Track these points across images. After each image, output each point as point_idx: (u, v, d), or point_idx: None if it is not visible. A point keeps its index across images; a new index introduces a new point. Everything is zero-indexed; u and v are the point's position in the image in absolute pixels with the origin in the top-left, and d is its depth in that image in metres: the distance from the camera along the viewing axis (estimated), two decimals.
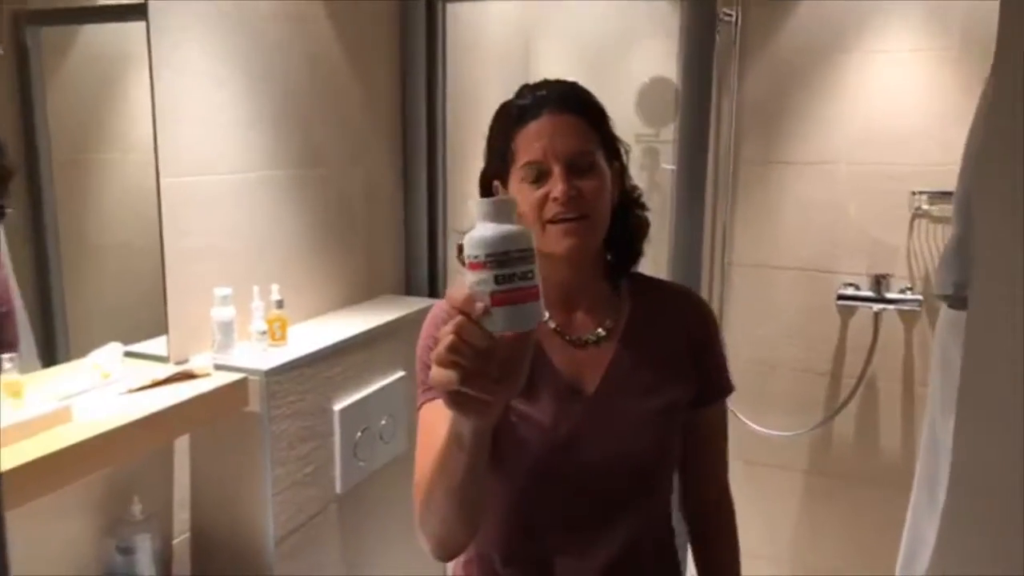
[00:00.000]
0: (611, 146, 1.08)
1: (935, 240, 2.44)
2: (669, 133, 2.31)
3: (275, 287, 1.65)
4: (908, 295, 2.47)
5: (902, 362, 2.53)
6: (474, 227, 0.76)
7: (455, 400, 0.76)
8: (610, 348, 1.10)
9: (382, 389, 1.87)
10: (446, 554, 1.01)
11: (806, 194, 2.56)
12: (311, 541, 1.69)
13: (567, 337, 1.10)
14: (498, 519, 1.08)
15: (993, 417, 1.11)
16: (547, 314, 1.08)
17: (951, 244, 1.50)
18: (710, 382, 1.14)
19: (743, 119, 2.58)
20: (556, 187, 1.00)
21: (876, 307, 2.50)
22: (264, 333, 1.62)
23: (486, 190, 1.11)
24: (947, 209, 2.34)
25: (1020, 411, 1.08)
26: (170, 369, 1.44)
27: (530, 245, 0.75)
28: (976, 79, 2.10)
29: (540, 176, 1.02)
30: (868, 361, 2.52)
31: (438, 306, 1.12)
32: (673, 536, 1.18)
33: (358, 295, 2.04)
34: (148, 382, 1.40)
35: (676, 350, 1.11)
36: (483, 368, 0.75)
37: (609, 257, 1.14)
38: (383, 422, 1.86)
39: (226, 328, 1.56)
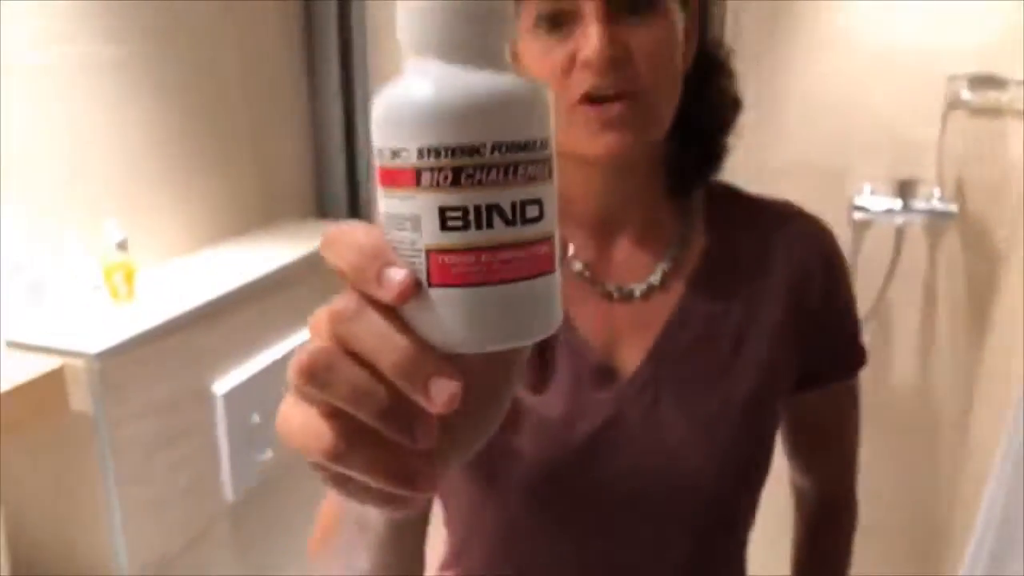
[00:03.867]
0: None
1: (974, 137, 2.07)
2: None
3: (112, 221, 1.18)
4: (937, 205, 2.10)
5: (922, 286, 2.22)
6: (407, 77, 0.35)
7: (336, 480, 0.38)
8: (668, 304, 0.78)
9: (288, 355, 1.38)
10: None
11: (818, 80, 2.20)
12: (192, 573, 1.25)
13: (600, 286, 0.78)
14: (484, 558, 0.81)
15: None
16: (578, 264, 0.78)
17: None
18: (831, 353, 0.85)
19: None
20: (589, 40, 0.65)
21: (899, 220, 2.12)
22: (99, 289, 1.12)
23: None
24: (991, 98, 2.00)
25: None
26: None
27: (545, 132, 0.36)
28: None
29: (563, 20, 0.67)
30: (886, 284, 2.16)
31: None
32: None
33: (247, 222, 1.59)
34: None
35: (780, 302, 0.80)
36: (398, 426, 0.36)
37: (673, 158, 0.80)
38: None
39: (31, 286, 1.04)
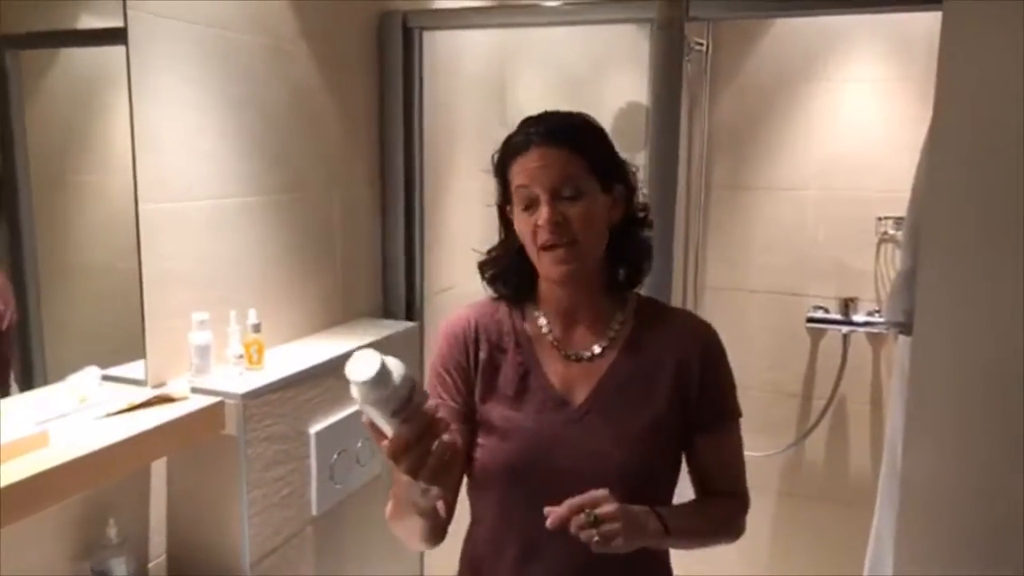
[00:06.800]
0: (607, 171, 1.15)
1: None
2: (645, 158, 2.34)
3: (252, 311, 1.67)
4: (875, 318, 2.52)
5: (870, 383, 2.58)
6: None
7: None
8: (604, 363, 1.17)
9: (359, 412, 1.86)
10: (415, 550, 1.23)
11: (776, 219, 2.62)
12: (287, 562, 1.70)
13: (565, 352, 1.19)
14: (486, 520, 1.19)
15: (936, 436, 1.15)
16: (551, 338, 1.21)
17: (902, 273, 1.54)
18: (711, 406, 1.16)
19: (715, 145, 2.64)
20: (541, 214, 1.10)
21: (844, 329, 2.55)
22: (241, 357, 1.64)
23: (503, 214, 1.23)
24: None
25: (959, 430, 1.12)
26: (147, 393, 1.45)
27: (404, 373, 0.93)
28: None
29: (531, 204, 1.12)
30: (837, 383, 2.56)
31: (448, 321, 1.23)
32: (662, 557, 1.22)
33: (335, 319, 2.06)
34: (125, 406, 1.41)
35: (671, 371, 1.16)
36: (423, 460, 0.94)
37: (610, 277, 1.21)
38: (359, 445, 1.88)
39: (203, 352, 1.57)
